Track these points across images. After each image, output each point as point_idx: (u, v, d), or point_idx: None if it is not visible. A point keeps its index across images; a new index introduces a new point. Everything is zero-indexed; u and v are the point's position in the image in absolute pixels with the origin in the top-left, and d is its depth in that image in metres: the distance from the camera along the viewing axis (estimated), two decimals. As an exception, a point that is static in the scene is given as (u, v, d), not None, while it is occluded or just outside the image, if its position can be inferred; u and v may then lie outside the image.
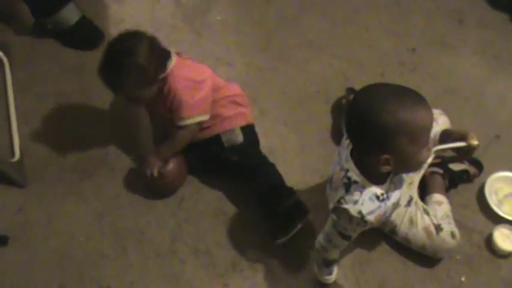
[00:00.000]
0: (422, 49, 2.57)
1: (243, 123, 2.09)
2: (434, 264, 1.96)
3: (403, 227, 1.91)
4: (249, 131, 2.10)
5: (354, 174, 1.55)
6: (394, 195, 1.62)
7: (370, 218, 1.56)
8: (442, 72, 2.49)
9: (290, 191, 2.01)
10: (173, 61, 1.96)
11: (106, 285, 1.93)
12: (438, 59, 2.55)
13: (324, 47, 2.57)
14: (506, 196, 2.09)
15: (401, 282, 1.95)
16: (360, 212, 1.55)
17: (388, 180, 1.60)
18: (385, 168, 1.48)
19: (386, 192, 1.58)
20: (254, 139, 2.13)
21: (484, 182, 2.11)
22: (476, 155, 2.14)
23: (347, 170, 1.57)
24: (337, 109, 2.32)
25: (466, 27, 2.68)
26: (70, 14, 2.48)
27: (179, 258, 1.99)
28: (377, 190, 1.55)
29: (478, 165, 2.14)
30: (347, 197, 1.56)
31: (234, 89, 2.13)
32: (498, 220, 2.04)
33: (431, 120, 1.44)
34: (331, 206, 1.65)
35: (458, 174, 2.09)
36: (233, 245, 2.02)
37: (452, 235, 1.89)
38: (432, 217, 1.90)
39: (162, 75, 1.94)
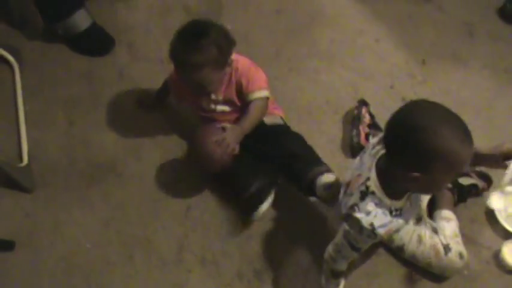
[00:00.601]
0: (432, 61, 2.56)
1: (281, 114, 2.20)
2: (441, 280, 1.95)
3: (411, 246, 1.89)
4: (285, 121, 2.20)
5: (373, 185, 1.54)
6: (407, 215, 1.62)
7: (381, 231, 1.55)
8: (453, 85, 2.48)
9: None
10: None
11: (112, 292, 1.93)
12: (448, 71, 2.54)
13: (334, 58, 2.57)
14: (515, 211, 2.08)
15: (408, 296, 1.94)
16: (371, 224, 1.54)
17: (405, 197, 1.59)
18: (410, 186, 1.50)
19: (401, 209, 1.57)
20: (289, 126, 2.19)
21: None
22: (485, 168, 2.14)
23: (367, 179, 1.56)
24: (349, 120, 2.31)
25: (477, 40, 2.67)
26: (81, 20, 2.48)
27: (185, 267, 1.98)
28: (392, 204, 1.55)
29: (487, 179, 2.13)
30: (360, 205, 1.56)
31: None
32: (507, 235, 2.03)
33: (471, 155, 1.45)
34: (343, 211, 1.64)
35: (467, 189, 2.07)
36: (239, 254, 2.02)
37: (461, 256, 1.88)
38: (441, 237, 1.89)
39: (232, 58, 2.00)
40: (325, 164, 2.02)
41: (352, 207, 1.57)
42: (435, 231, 1.91)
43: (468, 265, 1.93)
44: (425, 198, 1.97)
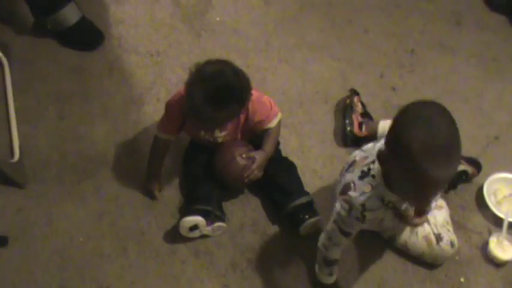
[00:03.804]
0: (421, 51, 2.58)
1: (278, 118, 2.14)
2: (433, 265, 1.97)
3: (403, 235, 1.92)
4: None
5: (376, 169, 1.55)
6: (403, 207, 1.63)
7: (369, 215, 1.57)
8: (441, 74, 2.50)
9: (307, 193, 2.07)
10: None
11: (106, 285, 1.94)
12: (437, 60, 2.55)
13: (323, 48, 2.58)
14: (505, 197, 2.10)
15: (401, 282, 1.96)
16: (362, 205, 1.56)
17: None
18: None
19: (393, 203, 1.59)
20: (279, 143, 2.18)
21: (482, 183, 2.12)
22: (475, 156, 2.16)
23: (373, 161, 1.57)
24: (341, 110, 2.33)
25: (464, 29, 2.68)
26: (70, 14, 2.47)
27: (179, 258, 1.99)
28: (386, 194, 1.56)
29: (476, 164, 2.15)
30: (357, 183, 1.57)
31: None
32: (496, 221, 2.05)
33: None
34: (339, 188, 1.65)
35: (457, 175, 2.09)
36: (232, 244, 2.03)
37: (452, 244, 1.91)
38: (432, 226, 1.91)
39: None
40: (305, 193, 2.06)
41: (349, 184, 1.59)
42: (427, 221, 1.92)
43: (459, 247, 1.96)
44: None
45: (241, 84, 1.83)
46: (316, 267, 1.89)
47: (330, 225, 1.72)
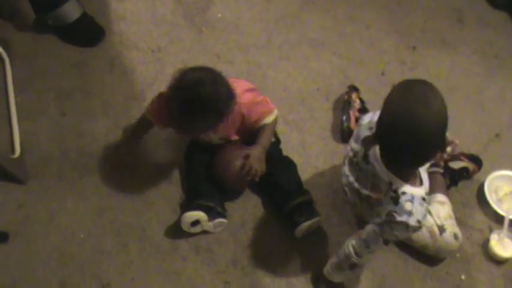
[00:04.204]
0: (422, 47, 2.58)
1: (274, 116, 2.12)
2: (434, 262, 1.98)
3: None
4: (276, 134, 2.16)
5: (398, 185, 1.58)
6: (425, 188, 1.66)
7: (425, 221, 1.62)
8: (442, 71, 2.50)
9: (307, 191, 2.06)
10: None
11: (107, 281, 1.93)
12: (438, 57, 2.55)
13: (325, 45, 2.58)
14: (506, 194, 2.10)
15: (402, 279, 1.96)
16: (418, 221, 1.58)
17: (418, 176, 1.65)
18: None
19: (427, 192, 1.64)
20: (280, 141, 2.18)
21: (483, 181, 2.12)
22: (476, 153, 2.16)
23: (390, 184, 1.59)
24: (340, 106, 2.32)
25: (466, 26, 2.68)
26: (71, 10, 2.47)
27: (180, 255, 1.99)
28: (420, 192, 1.59)
29: (477, 161, 2.15)
30: (398, 209, 1.58)
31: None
32: (498, 218, 2.05)
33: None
34: (376, 221, 1.65)
35: (459, 172, 2.09)
36: (233, 241, 2.03)
37: (455, 236, 1.91)
38: (435, 218, 1.91)
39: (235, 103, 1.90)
40: (303, 192, 2.05)
41: (391, 215, 1.59)
42: (429, 212, 1.92)
43: (460, 247, 1.96)
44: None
45: (218, 96, 1.80)
46: (332, 268, 1.85)
47: (368, 236, 1.69)
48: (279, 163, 2.11)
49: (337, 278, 1.88)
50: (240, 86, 1.96)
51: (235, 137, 2.06)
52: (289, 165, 2.13)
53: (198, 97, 1.78)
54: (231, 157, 2.01)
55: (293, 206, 2.00)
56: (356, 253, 1.73)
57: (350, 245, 1.74)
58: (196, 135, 2.04)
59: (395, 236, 1.65)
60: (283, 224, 2.05)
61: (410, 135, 1.41)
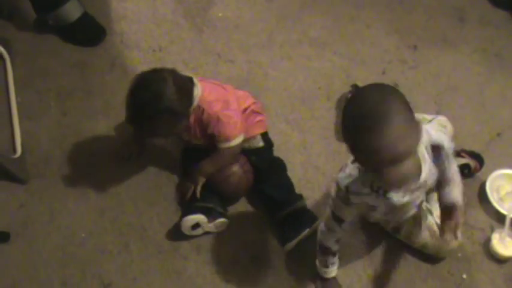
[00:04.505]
0: (423, 46, 2.57)
1: (262, 130, 2.11)
2: (435, 262, 1.97)
3: (406, 226, 1.91)
4: (267, 137, 2.13)
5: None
6: (398, 197, 1.60)
7: (354, 199, 1.57)
8: (444, 70, 2.49)
9: (298, 197, 2.05)
10: (199, 88, 1.93)
11: (108, 281, 1.93)
12: (439, 56, 2.55)
13: (326, 44, 2.57)
14: (507, 194, 2.09)
15: (403, 279, 1.95)
16: (346, 187, 1.55)
17: None
18: None
19: (384, 189, 1.56)
20: (271, 144, 2.15)
21: (485, 180, 2.11)
22: (478, 152, 2.16)
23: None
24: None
25: (467, 25, 2.68)
26: (72, 10, 2.47)
27: (181, 254, 1.99)
28: (374, 180, 1.54)
29: (479, 158, 2.14)
30: (348, 166, 1.56)
31: (247, 96, 2.11)
32: (499, 217, 2.04)
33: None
34: None
35: (460, 169, 2.08)
36: (235, 240, 2.03)
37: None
38: (436, 217, 1.90)
39: (193, 107, 1.91)
40: (293, 201, 2.03)
41: (342, 167, 1.58)
42: (430, 212, 1.92)
43: (462, 244, 1.95)
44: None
45: (166, 104, 1.82)
46: (317, 261, 1.88)
47: (327, 210, 1.71)
48: (267, 170, 2.08)
49: (320, 270, 1.88)
50: (216, 94, 1.97)
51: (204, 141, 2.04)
52: (277, 169, 2.11)
53: (138, 104, 1.85)
54: (226, 171, 2.02)
55: (281, 218, 2.00)
56: (320, 231, 1.76)
57: (319, 226, 1.78)
58: (164, 136, 2.10)
59: (333, 205, 1.65)
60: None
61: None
